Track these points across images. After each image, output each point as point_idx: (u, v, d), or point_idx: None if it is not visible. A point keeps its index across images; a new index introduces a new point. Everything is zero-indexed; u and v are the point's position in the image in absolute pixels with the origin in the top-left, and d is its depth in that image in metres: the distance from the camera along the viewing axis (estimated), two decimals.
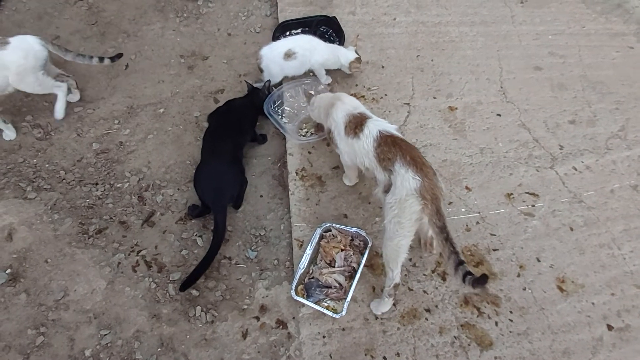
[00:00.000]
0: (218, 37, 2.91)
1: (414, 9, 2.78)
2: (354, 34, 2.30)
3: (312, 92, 2.06)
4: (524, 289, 1.79)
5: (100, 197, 2.22)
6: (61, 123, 2.52)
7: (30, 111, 2.58)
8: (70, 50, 2.42)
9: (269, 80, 2.36)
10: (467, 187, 2.02)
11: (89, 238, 2.03)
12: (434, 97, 2.32)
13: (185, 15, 3.04)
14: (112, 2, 3.16)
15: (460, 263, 1.46)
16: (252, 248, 2.02)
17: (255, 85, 2.40)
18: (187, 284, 1.81)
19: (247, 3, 3.06)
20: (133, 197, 2.22)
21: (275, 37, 2.58)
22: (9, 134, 2.41)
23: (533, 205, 1.99)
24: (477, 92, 2.34)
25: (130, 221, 2.12)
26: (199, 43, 2.89)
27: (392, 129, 1.68)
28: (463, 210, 1.97)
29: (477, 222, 1.94)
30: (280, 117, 2.32)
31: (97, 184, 2.28)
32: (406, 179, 1.52)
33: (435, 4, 2.81)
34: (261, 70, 2.35)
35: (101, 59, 2.50)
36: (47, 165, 2.34)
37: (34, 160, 2.36)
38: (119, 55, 2.57)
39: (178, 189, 2.25)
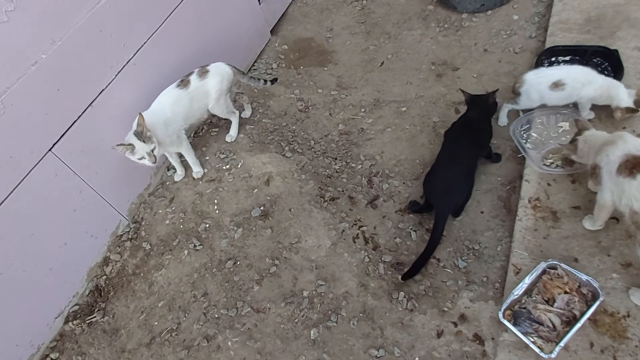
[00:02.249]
0: (473, 51, 2.97)
1: None
2: None
3: (589, 125, 1.93)
4: None
5: (338, 170, 2.54)
6: (318, 101, 2.96)
7: (299, 87, 3.09)
8: (246, 74, 2.71)
9: (497, 89, 2.35)
10: None
11: (324, 202, 2.35)
12: None
13: (446, 26, 3.18)
14: (382, 5, 3.51)
15: None
16: (463, 258, 2.05)
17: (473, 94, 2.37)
18: (408, 274, 1.98)
19: (513, 22, 3.02)
20: (363, 178, 2.48)
21: (540, 61, 2.49)
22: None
23: None
24: None
25: (358, 198, 2.38)
26: (452, 54, 3.00)
27: None
28: None
29: None
30: (525, 142, 2.26)
31: (336, 158, 2.62)
32: None
33: None
34: (517, 94, 2.29)
35: (265, 82, 2.75)
36: (302, 133, 2.79)
37: (294, 127, 2.84)
38: (275, 80, 2.83)
39: (403, 183, 2.42)
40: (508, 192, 2.24)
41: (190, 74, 2.45)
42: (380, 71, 3.06)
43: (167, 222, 2.45)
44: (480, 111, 2.34)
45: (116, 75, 2.28)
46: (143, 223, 2.49)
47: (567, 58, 2.46)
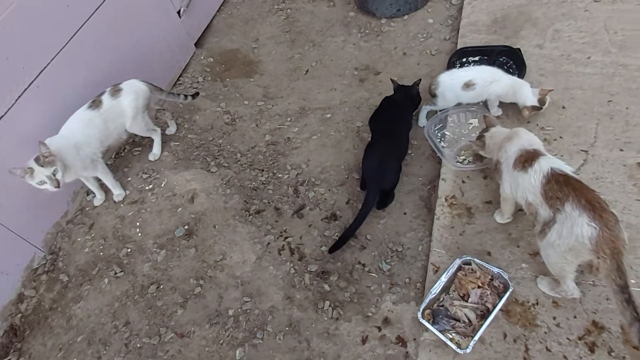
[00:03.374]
0: (393, 55, 3.03)
1: (615, 49, 2.50)
2: (549, 88, 2.16)
3: (495, 122, 2.02)
4: None
5: (264, 182, 2.51)
6: (245, 113, 2.92)
7: (225, 99, 3.04)
8: (164, 90, 2.62)
9: (420, 80, 2.45)
10: None
11: (249, 215, 2.32)
12: (621, 150, 2.06)
13: (367, 31, 3.24)
14: (306, 13, 3.53)
15: None
16: (387, 261, 2.07)
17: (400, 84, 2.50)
18: (335, 247, 2.08)
19: (428, 26, 3.12)
20: (290, 188, 2.46)
21: (451, 63, 2.58)
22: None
23: None
24: None
25: (284, 209, 2.36)
26: (374, 58, 3.05)
27: (567, 169, 1.60)
28: (633, 281, 1.71)
29: None
30: (439, 141, 2.32)
31: (263, 170, 2.59)
32: (578, 224, 1.43)
33: None
34: (433, 96, 2.36)
35: (186, 97, 2.67)
36: (228, 147, 2.74)
37: (220, 141, 2.78)
38: (197, 94, 2.78)
39: (329, 190, 2.42)
40: (429, 192, 2.29)
41: (102, 93, 2.35)
42: (305, 79, 3.07)
43: (87, 250, 2.33)
44: (404, 97, 2.46)
45: (18, 99, 2.15)
46: (61, 253, 2.35)
47: (477, 58, 2.57)
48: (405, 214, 2.24)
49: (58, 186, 2.03)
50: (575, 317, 1.68)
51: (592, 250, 1.42)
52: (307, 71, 3.12)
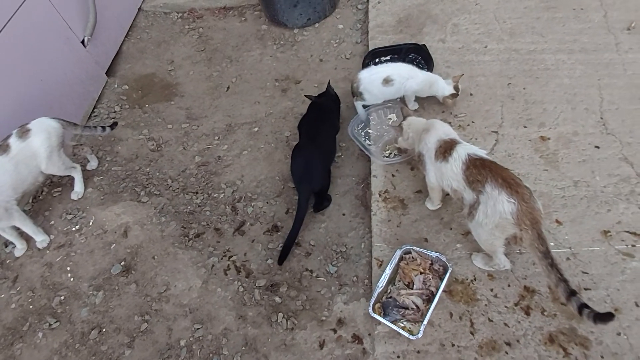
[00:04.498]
0: (311, 63, 3.11)
1: (507, 36, 2.75)
2: (459, 74, 2.33)
3: (411, 112, 2.14)
4: (619, 334, 1.67)
5: (200, 204, 2.46)
6: (170, 137, 2.85)
7: (147, 126, 2.94)
8: (79, 125, 2.51)
9: (329, 81, 2.56)
10: (557, 221, 1.94)
11: (189, 241, 2.26)
12: (525, 126, 2.27)
13: (282, 42, 3.29)
14: (219, 30, 3.52)
15: (572, 293, 1.45)
16: (333, 263, 2.11)
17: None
18: (282, 257, 2.11)
19: (339, 31, 3.24)
20: (227, 207, 2.44)
21: (365, 64, 2.69)
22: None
23: (633, 246, 1.86)
24: (573, 122, 2.25)
25: (224, 229, 2.33)
26: (292, 68, 3.11)
27: (481, 152, 1.72)
28: (552, 244, 1.88)
29: (568, 258, 1.85)
30: (364, 139, 2.41)
31: (197, 192, 2.53)
32: (499, 202, 1.55)
33: (530, 31, 2.75)
34: (358, 94, 2.43)
35: (103, 128, 2.56)
36: (157, 174, 2.65)
37: (147, 169, 2.69)
38: (115, 124, 2.68)
39: (267, 202, 2.42)
40: (363, 190, 2.37)
41: (9, 137, 2.18)
42: (227, 96, 3.05)
43: (13, 305, 2.14)
44: (326, 100, 2.54)
45: None
46: None
47: (388, 57, 2.70)
48: (344, 214, 2.30)
49: None
50: (509, 285, 1.82)
51: (515, 223, 1.55)
52: (228, 88, 3.10)
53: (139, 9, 3.76)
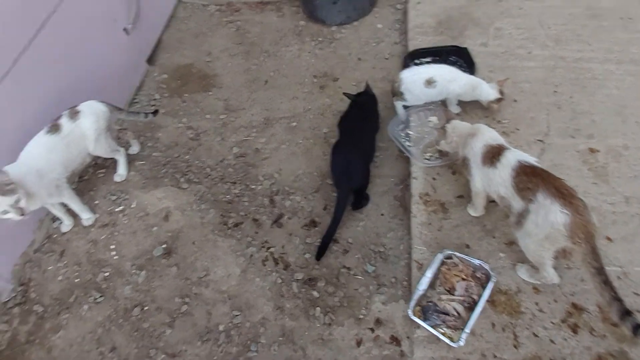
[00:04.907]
0: (349, 61, 3.11)
1: (552, 43, 2.72)
2: (503, 78, 2.31)
3: (454, 116, 2.13)
4: None
5: (238, 194, 2.50)
6: (208, 127, 2.88)
7: (186, 115, 2.98)
8: (123, 109, 2.58)
9: (367, 81, 2.56)
10: (607, 238, 1.89)
11: (228, 229, 2.30)
12: (572, 137, 2.24)
13: (320, 39, 3.30)
14: (256, 24, 3.54)
15: (626, 313, 1.40)
16: (371, 262, 2.13)
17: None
18: (320, 252, 2.13)
19: (378, 30, 3.23)
20: (265, 198, 2.46)
21: (405, 65, 2.69)
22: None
23: None
24: (623, 135, 2.21)
25: (262, 220, 2.36)
26: (331, 65, 3.12)
27: (532, 160, 1.70)
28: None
29: (618, 277, 1.79)
30: (405, 140, 2.42)
31: (235, 182, 2.57)
32: (552, 212, 1.52)
33: (576, 39, 2.72)
34: (398, 94, 2.43)
35: (146, 115, 2.69)
36: (196, 162, 2.69)
37: (187, 157, 2.73)
38: (156, 112, 2.77)
39: (305, 197, 2.44)
40: (402, 191, 2.37)
41: (60, 117, 2.23)
42: (265, 89, 3.08)
43: (60, 278, 2.22)
44: (365, 99, 2.53)
45: None
46: (32, 284, 2.22)
47: (429, 59, 2.69)
48: (382, 215, 2.30)
49: (23, 214, 1.93)
50: (555, 300, 1.79)
51: (567, 236, 1.51)
52: (266, 81, 3.12)
53: (179, 0, 3.80)
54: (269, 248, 2.23)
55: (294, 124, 2.82)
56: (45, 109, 2.34)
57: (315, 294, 2.04)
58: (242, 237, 2.27)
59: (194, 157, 2.73)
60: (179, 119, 2.95)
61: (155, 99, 3.12)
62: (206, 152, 2.76)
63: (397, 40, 3.14)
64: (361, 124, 2.42)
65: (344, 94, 2.59)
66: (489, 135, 1.89)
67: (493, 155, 1.78)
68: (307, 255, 2.19)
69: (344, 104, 2.81)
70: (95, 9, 2.78)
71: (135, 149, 2.70)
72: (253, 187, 2.54)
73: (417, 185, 2.23)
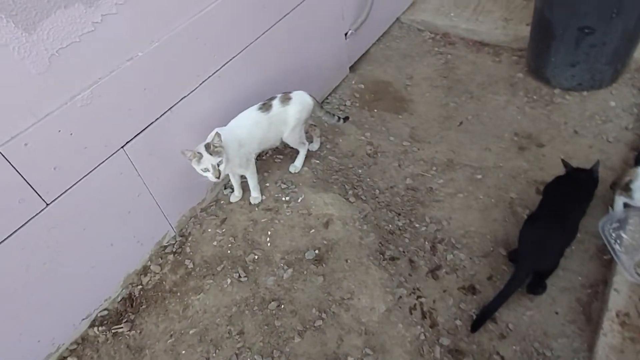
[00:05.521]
0: (562, 130, 2.79)
1: None
2: None
3: None
4: None
5: (400, 228, 2.38)
6: (388, 149, 2.82)
7: (370, 130, 2.97)
8: (323, 107, 2.62)
9: (599, 161, 2.20)
10: None
11: (383, 260, 2.19)
12: None
13: (535, 97, 3.03)
14: (468, 63, 3.41)
15: None
16: None
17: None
18: (477, 324, 1.93)
19: (609, 109, 2.85)
20: (427, 242, 2.31)
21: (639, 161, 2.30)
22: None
23: None
24: None
25: (419, 264, 2.21)
26: (539, 128, 2.83)
27: None
28: None
29: None
30: (615, 242, 2.05)
31: (400, 214, 2.46)
32: None
33: None
34: (626, 189, 2.09)
35: (339, 119, 2.69)
36: (367, 179, 2.65)
37: (360, 171, 2.70)
38: (347, 119, 2.80)
39: (470, 258, 2.23)
40: (589, 297, 2.01)
41: (273, 98, 2.37)
42: (457, 131, 2.92)
43: (215, 243, 2.33)
44: (585, 177, 2.24)
45: (200, 84, 2.22)
46: (190, 239, 2.38)
47: None
48: (557, 313, 1.98)
49: (218, 177, 2.06)
50: None
51: None
52: (461, 123, 2.97)
53: (397, 19, 3.86)
54: (419, 297, 2.06)
55: (479, 176, 2.61)
56: (258, 88, 2.52)
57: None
58: (395, 273, 2.14)
59: (367, 174, 2.69)
60: (362, 131, 2.96)
61: (345, 105, 3.19)
62: (379, 173, 2.70)
63: (630, 125, 2.72)
64: (572, 203, 2.11)
65: (562, 160, 2.30)
66: None
67: None
68: (458, 322, 1.98)
69: (544, 173, 2.54)
70: (330, 9, 2.95)
71: (315, 146, 2.76)
72: (417, 225, 2.40)
73: (618, 300, 1.86)
